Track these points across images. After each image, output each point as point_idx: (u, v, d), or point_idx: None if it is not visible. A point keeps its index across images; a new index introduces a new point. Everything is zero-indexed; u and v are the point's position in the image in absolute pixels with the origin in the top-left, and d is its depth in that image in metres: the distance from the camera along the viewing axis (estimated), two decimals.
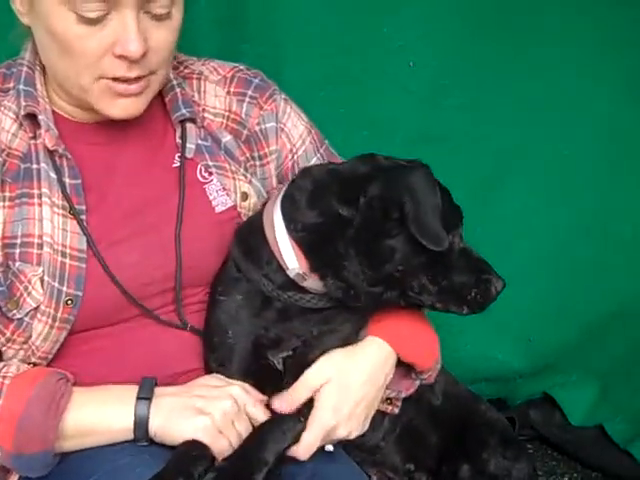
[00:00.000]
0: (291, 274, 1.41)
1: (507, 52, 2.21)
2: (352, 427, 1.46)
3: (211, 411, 1.37)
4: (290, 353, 1.44)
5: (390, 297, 1.41)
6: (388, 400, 1.55)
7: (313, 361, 1.44)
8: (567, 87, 2.26)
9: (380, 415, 1.58)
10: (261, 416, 1.42)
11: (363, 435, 1.53)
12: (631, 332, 2.38)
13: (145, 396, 1.38)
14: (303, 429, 1.42)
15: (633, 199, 2.35)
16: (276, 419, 1.43)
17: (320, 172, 1.46)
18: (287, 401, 1.43)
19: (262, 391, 1.46)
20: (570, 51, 2.25)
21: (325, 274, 1.40)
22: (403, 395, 1.55)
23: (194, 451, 1.37)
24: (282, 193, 1.46)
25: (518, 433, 2.38)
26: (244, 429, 1.40)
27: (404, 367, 1.52)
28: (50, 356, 1.45)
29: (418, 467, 1.68)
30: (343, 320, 1.46)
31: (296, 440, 1.42)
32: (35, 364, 1.44)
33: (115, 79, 1.38)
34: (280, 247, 1.41)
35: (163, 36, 1.39)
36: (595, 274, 2.33)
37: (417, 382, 1.55)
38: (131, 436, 1.38)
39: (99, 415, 1.39)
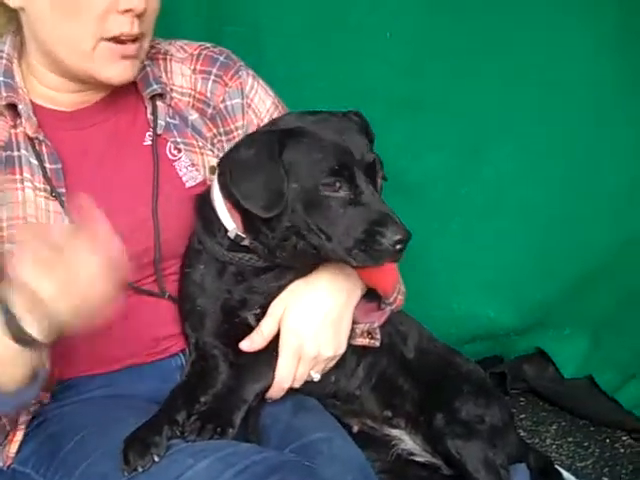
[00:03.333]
0: (231, 235, 1.51)
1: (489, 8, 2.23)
2: (320, 342, 1.52)
3: None
4: (258, 311, 1.54)
5: (304, 248, 1.45)
6: (369, 335, 1.63)
7: None
8: (550, 47, 2.27)
9: (355, 361, 1.67)
10: None
11: (338, 381, 1.64)
12: (620, 283, 2.39)
13: None
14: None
15: (618, 152, 2.34)
16: (251, 359, 1.52)
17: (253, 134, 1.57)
18: (259, 336, 1.52)
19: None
20: (555, 11, 2.26)
21: (250, 235, 1.50)
22: (377, 325, 1.63)
23: (179, 399, 1.48)
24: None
25: (511, 387, 2.47)
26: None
27: (373, 301, 1.61)
28: None
29: (396, 413, 1.74)
30: (294, 276, 1.54)
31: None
32: None
33: (115, 40, 1.47)
34: (217, 210, 1.51)
35: None
36: (582, 228, 2.34)
37: (387, 309, 1.64)
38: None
39: None
